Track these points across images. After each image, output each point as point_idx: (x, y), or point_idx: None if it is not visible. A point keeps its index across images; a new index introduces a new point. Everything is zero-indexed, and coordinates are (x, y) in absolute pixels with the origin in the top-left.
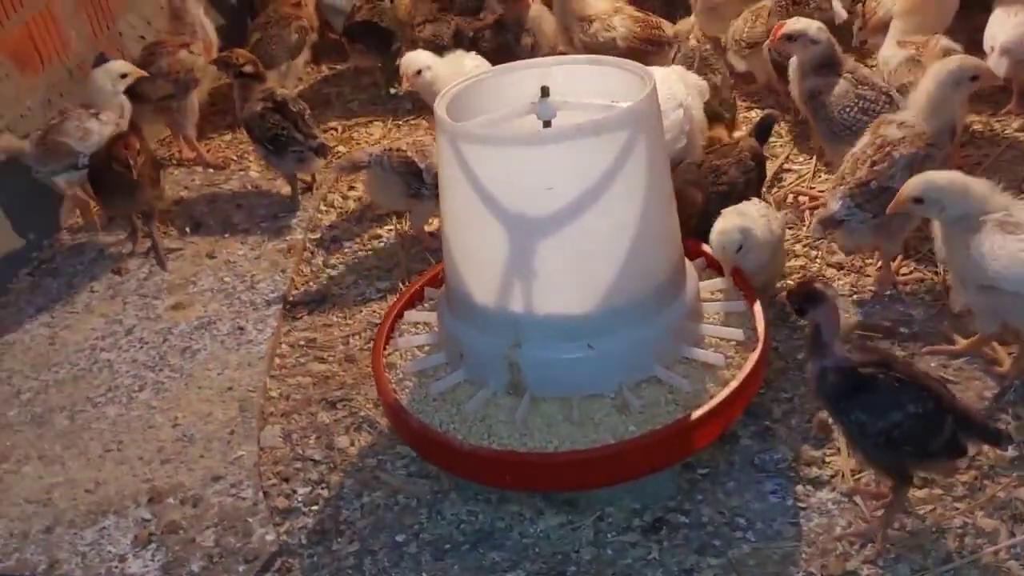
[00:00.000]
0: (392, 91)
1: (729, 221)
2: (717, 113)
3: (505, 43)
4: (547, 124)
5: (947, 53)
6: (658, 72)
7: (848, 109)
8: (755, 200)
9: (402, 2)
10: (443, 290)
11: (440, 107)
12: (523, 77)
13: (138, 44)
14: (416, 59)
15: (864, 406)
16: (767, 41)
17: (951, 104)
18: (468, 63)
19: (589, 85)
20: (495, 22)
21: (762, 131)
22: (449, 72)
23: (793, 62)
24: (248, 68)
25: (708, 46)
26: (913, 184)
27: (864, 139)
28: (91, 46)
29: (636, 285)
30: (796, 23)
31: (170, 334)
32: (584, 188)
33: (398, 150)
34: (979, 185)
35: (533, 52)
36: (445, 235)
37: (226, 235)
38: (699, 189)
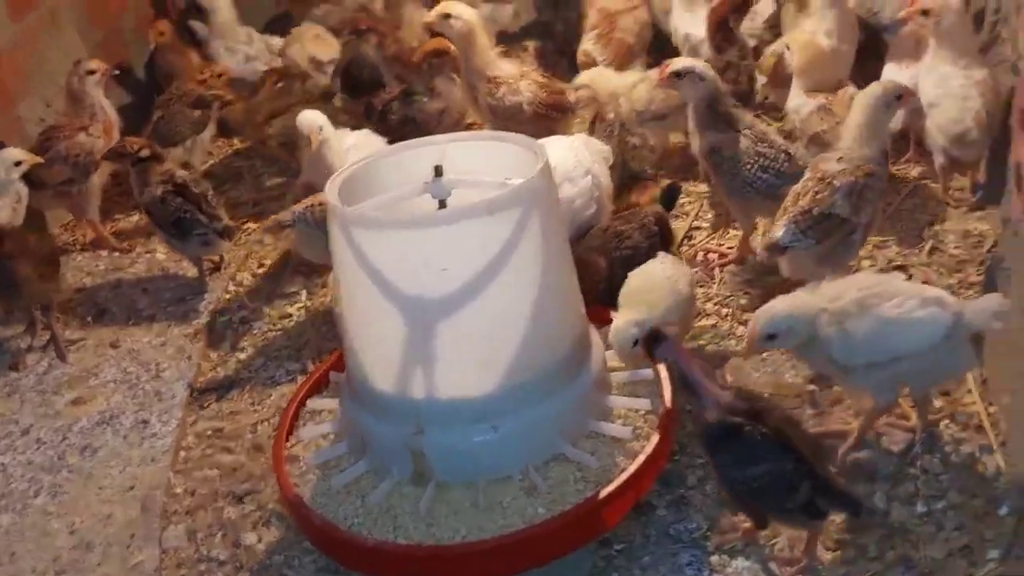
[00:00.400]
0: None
1: (623, 318)
2: (637, 174)
3: (412, 114)
4: (442, 204)
5: None
6: (562, 140)
7: (749, 167)
8: (662, 256)
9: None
10: (344, 376)
11: (331, 191)
12: (418, 155)
13: (39, 127)
14: (312, 118)
15: (726, 454)
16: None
17: (883, 127)
18: (348, 140)
19: (484, 162)
20: (402, 92)
21: (668, 199)
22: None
23: (691, 119)
24: (144, 152)
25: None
26: (761, 323)
27: (805, 175)
28: None
29: (538, 362)
30: (683, 60)
31: (70, 432)
32: (479, 268)
33: (320, 204)
34: (808, 296)
35: (442, 118)
36: (342, 321)
37: (130, 322)
38: (602, 255)
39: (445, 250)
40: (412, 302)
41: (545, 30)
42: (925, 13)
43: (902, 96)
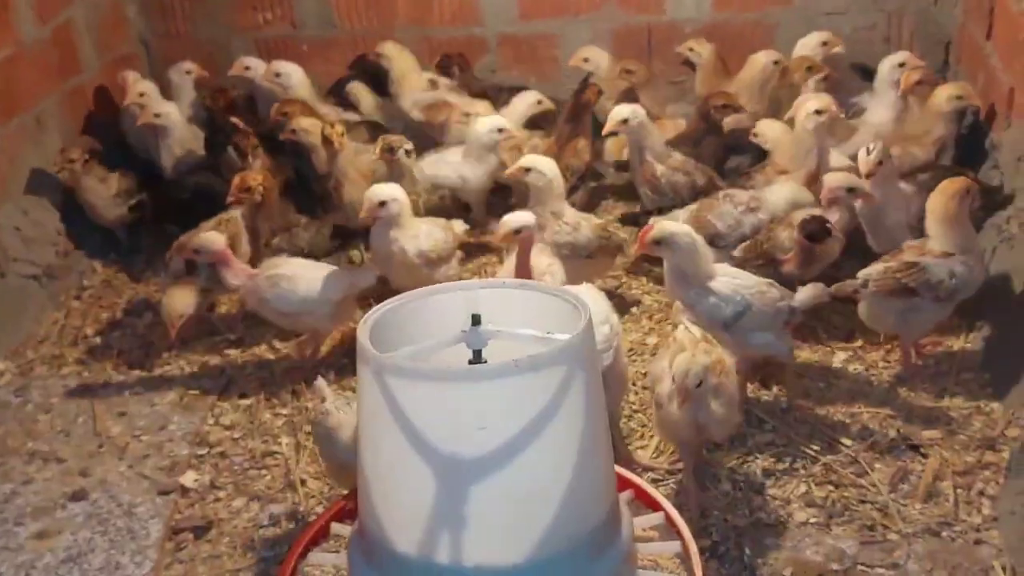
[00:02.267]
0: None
1: (699, 350)
2: None
3: None
4: (477, 354)
5: None
6: (578, 291)
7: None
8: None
9: None
10: (354, 530)
11: (362, 333)
12: (451, 300)
13: (14, 236)
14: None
15: None
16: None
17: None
18: None
19: (519, 312)
20: None
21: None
22: None
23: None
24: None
25: None
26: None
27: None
28: None
29: (573, 531)
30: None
31: (33, 569)
32: (520, 428)
33: None
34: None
35: None
36: (363, 474)
37: (102, 449)
38: None
39: (485, 407)
40: (446, 460)
41: None
42: None
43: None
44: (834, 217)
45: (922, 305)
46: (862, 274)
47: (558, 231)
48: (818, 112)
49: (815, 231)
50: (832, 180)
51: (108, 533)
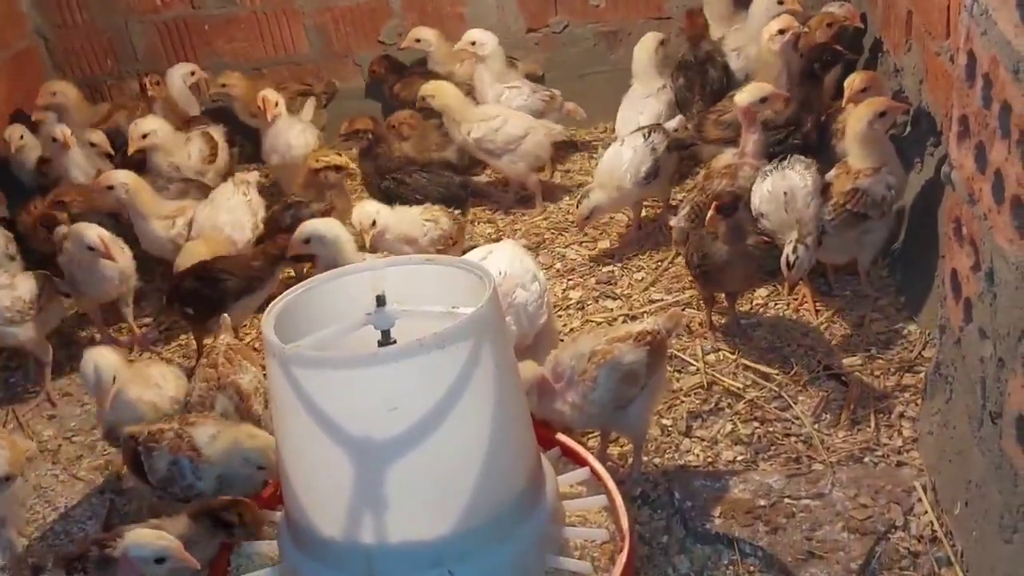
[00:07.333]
0: None
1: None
2: None
3: None
4: (386, 334)
5: None
6: (504, 247)
7: None
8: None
9: None
10: (282, 516)
11: (267, 326)
12: (355, 282)
13: None
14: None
15: None
16: None
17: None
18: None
19: (426, 288)
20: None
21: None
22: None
23: None
24: None
25: None
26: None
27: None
28: None
29: (495, 499)
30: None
31: None
32: (431, 405)
33: None
34: None
35: None
36: (283, 466)
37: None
38: None
39: (394, 388)
40: (360, 444)
41: None
42: None
43: (886, 113)
44: (753, 138)
45: (873, 226)
46: None
47: None
48: (781, 32)
49: (726, 204)
50: (741, 99)
51: (46, 538)
